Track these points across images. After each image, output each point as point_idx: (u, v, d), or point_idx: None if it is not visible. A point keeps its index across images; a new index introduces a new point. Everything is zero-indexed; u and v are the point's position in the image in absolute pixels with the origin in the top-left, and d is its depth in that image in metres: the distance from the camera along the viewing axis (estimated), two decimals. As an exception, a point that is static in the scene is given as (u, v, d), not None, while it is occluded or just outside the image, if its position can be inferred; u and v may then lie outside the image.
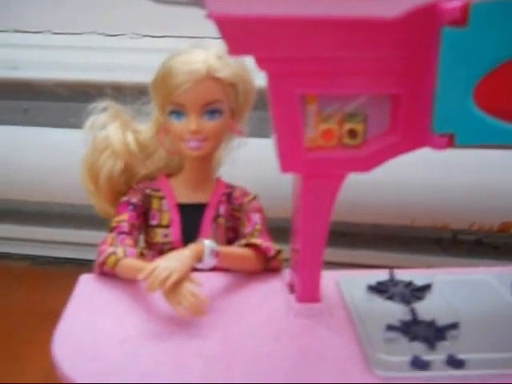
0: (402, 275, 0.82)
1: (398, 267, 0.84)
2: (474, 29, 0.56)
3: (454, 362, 0.64)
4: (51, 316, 1.40)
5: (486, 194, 1.38)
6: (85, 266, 1.65)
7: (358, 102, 0.65)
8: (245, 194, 0.92)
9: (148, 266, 0.71)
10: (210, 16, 0.57)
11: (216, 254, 0.77)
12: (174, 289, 0.70)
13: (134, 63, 1.48)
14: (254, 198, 0.91)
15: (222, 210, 0.90)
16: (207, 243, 0.76)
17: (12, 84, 1.58)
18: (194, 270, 0.74)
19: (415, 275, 0.82)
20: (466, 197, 1.39)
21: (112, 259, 0.78)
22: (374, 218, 1.48)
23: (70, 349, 0.66)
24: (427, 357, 0.64)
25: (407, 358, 0.64)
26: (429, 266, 1.45)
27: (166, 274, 0.69)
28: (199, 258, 0.75)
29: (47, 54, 1.58)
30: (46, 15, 1.60)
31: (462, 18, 0.56)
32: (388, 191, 1.40)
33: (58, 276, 1.67)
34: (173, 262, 0.71)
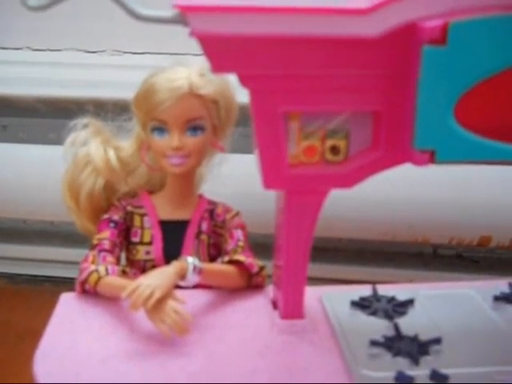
0: (385, 290, 0.82)
1: (380, 282, 0.85)
2: (453, 47, 0.57)
3: (438, 377, 0.64)
4: (30, 335, 1.38)
5: (465, 210, 1.40)
6: (63, 284, 1.65)
7: (340, 118, 0.65)
8: (227, 210, 0.91)
9: (130, 284, 0.70)
10: (193, 34, 0.57)
11: (199, 271, 0.76)
12: (156, 307, 0.69)
13: (115, 80, 1.48)
14: (237, 214, 0.91)
15: (205, 226, 0.90)
16: (190, 260, 0.76)
17: (-10, 100, 1.57)
18: (177, 287, 0.74)
19: (398, 290, 0.82)
20: (446, 212, 1.40)
21: (94, 277, 0.77)
22: (355, 233, 1.49)
23: (51, 368, 0.65)
24: (411, 372, 0.64)
25: (391, 374, 0.64)
26: (410, 280, 1.47)
27: (148, 292, 0.68)
28: (182, 276, 0.75)
29: (27, 71, 1.57)
30: (26, 32, 1.59)
31: (441, 37, 0.57)
32: (369, 207, 1.41)
33: (36, 294, 1.65)
34: (156, 280, 0.71)
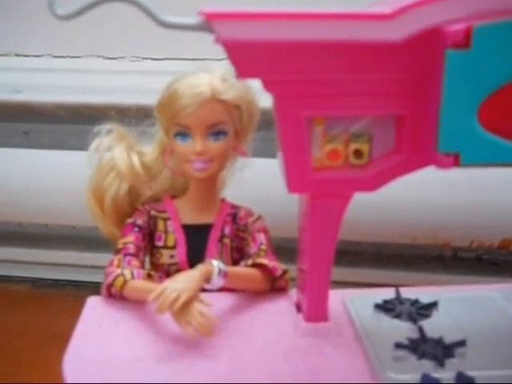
0: (408, 293, 0.82)
1: (400, 285, 0.85)
2: (477, 51, 0.58)
3: (464, 379, 0.64)
4: (53, 339, 1.40)
5: (486, 212, 1.39)
6: (85, 288, 1.67)
7: (363, 122, 0.66)
8: (249, 214, 0.92)
9: (157, 288, 0.71)
10: (218, 40, 0.58)
11: (224, 274, 0.77)
12: (183, 310, 0.70)
13: (135, 86, 1.49)
14: (259, 217, 0.92)
15: (227, 230, 0.91)
16: (215, 264, 0.77)
17: (13, 107, 1.59)
18: (202, 290, 0.75)
19: (421, 293, 0.82)
20: (466, 215, 1.39)
21: (120, 281, 0.79)
22: (374, 236, 1.49)
23: (81, 371, 0.66)
24: (436, 374, 0.64)
25: (417, 376, 0.64)
26: (430, 283, 1.46)
27: (175, 295, 0.69)
28: (208, 279, 0.76)
29: (48, 77, 1.59)
30: (46, 39, 1.61)
31: (465, 41, 0.58)
32: (389, 210, 1.40)
33: (58, 298, 1.67)
34: (182, 283, 0.72)
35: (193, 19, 0.59)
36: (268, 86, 0.62)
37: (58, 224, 1.68)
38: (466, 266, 1.57)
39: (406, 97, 0.63)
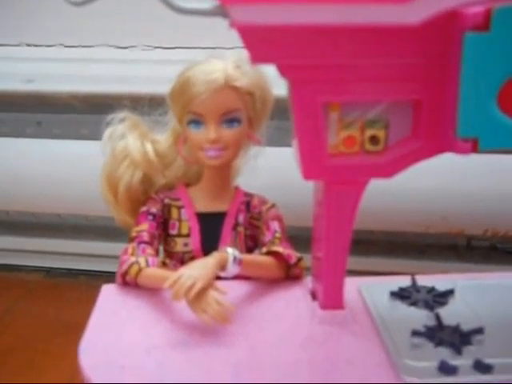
0: (424, 281, 0.82)
1: (413, 274, 0.84)
2: (497, 33, 0.57)
3: (482, 367, 0.63)
4: (66, 328, 1.41)
5: (500, 200, 1.38)
6: (98, 277, 1.68)
7: (379, 108, 0.65)
8: (263, 202, 0.92)
9: (172, 275, 0.71)
10: (233, 25, 0.58)
11: (239, 262, 0.77)
12: (198, 297, 0.70)
13: (147, 74, 1.49)
14: (273, 205, 0.92)
15: (241, 218, 0.90)
16: (230, 251, 0.77)
17: (25, 97, 1.60)
18: (217, 278, 0.75)
19: (436, 281, 0.82)
20: (480, 203, 1.39)
21: (135, 269, 0.79)
22: (387, 225, 1.48)
23: (97, 359, 0.66)
24: (454, 362, 0.64)
25: (434, 364, 0.64)
26: (443, 272, 1.45)
27: (190, 283, 0.69)
28: (223, 266, 0.75)
29: (60, 67, 1.59)
30: (58, 29, 1.62)
31: (484, 23, 0.56)
32: (402, 198, 1.40)
33: (71, 288, 1.68)
34: (197, 271, 0.71)
35: (207, 4, 0.59)
36: (283, 71, 0.61)
37: (70, 214, 1.70)
38: (479, 255, 1.56)
39: (424, 81, 0.62)
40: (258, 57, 0.60)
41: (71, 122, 1.62)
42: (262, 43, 0.59)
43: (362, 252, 1.54)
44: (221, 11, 0.58)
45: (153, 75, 1.44)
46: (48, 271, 1.76)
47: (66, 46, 1.63)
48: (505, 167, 1.36)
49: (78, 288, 1.66)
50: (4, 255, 1.76)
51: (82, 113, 1.60)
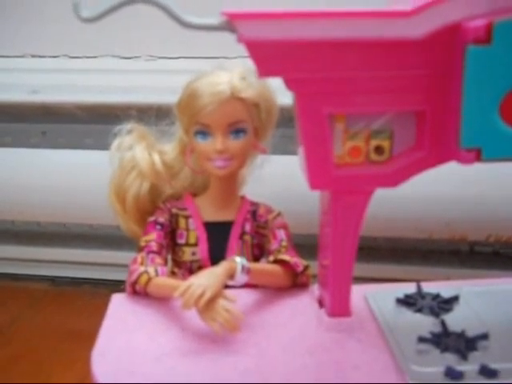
0: (429, 288, 0.83)
1: (416, 280, 0.85)
2: (498, 46, 0.58)
3: (487, 372, 0.64)
4: (72, 336, 1.41)
5: (502, 206, 1.39)
6: (103, 285, 1.68)
7: (384, 119, 0.66)
8: (269, 211, 0.93)
9: (182, 284, 0.72)
10: (240, 40, 0.59)
11: (247, 270, 0.78)
12: (208, 306, 0.71)
13: (150, 85, 1.51)
14: (279, 214, 0.93)
15: (248, 227, 0.91)
16: (238, 260, 0.78)
17: (30, 108, 1.61)
18: (226, 286, 0.76)
19: (442, 287, 0.83)
20: (483, 209, 1.39)
21: (144, 278, 0.80)
22: (390, 231, 1.49)
23: (108, 367, 0.68)
24: (460, 367, 0.65)
25: (441, 369, 0.65)
26: (447, 278, 1.46)
27: (200, 291, 0.70)
28: (231, 275, 0.77)
29: (64, 78, 1.61)
30: (62, 40, 1.63)
31: (485, 37, 0.58)
32: (405, 205, 1.41)
33: (76, 296, 1.69)
34: (206, 280, 0.73)
35: (215, 20, 0.60)
36: (290, 84, 0.62)
37: (75, 223, 1.70)
38: (482, 261, 1.57)
39: (427, 93, 0.63)
40: (265, 70, 0.62)
41: (75, 131, 1.63)
42: (269, 57, 0.60)
43: (365, 259, 1.55)
44: (228, 26, 0.60)
45: (156, 85, 1.45)
46: (53, 280, 1.77)
47: (70, 57, 1.65)
48: (507, 173, 1.37)
49: (83, 296, 1.67)
50: (9, 264, 1.77)
51: (86, 123, 1.61)
